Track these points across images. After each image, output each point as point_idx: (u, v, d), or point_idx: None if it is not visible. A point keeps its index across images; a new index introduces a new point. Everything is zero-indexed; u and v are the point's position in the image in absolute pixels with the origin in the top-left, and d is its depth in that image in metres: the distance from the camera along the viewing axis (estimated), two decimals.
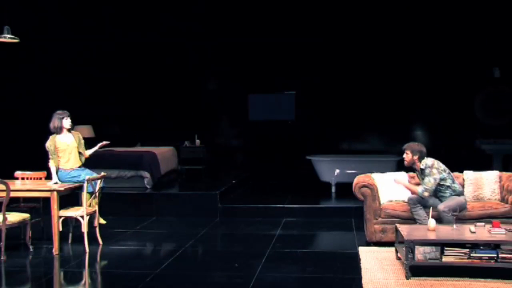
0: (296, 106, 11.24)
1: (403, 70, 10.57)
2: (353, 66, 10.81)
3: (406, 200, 5.86)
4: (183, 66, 11.49)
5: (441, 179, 5.62)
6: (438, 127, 10.52)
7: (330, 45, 10.83)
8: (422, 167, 5.66)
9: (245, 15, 10.67)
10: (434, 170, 5.59)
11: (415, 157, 5.70)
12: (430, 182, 5.56)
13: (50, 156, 6.23)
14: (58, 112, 6.31)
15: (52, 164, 6.21)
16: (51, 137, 6.28)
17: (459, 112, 10.38)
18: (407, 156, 5.74)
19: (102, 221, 6.46)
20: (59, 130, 6.26)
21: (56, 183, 6.12)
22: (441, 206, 5.51)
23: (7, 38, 7.54)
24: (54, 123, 6.26)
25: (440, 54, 10.36)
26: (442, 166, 5.69)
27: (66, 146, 6.27)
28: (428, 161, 5.67)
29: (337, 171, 9.06)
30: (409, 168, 6.60)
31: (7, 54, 9.24)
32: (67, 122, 6.28)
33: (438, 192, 5.72)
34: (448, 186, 5.66)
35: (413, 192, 5.75)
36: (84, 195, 5.84)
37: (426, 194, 5.59)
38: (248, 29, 10.82)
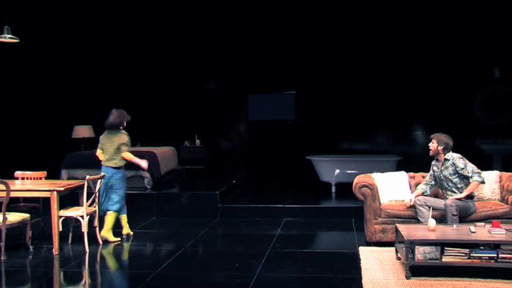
0: (296, 106, 11.23)
1: (403, 70, 10.56)
2: (353, 66, 10.80)
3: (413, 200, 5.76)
4: (183, 66, 11.48)
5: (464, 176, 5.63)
6: (438, 127, 10.48)
7: (330, 45, 10.82)
8: (447, 157, 5.67)
9: (245, 15, 10.66)
10: (466, 160, 5.64)
11: (440, 148, 5.70)
12: (475, 167, 5.56)
13: (125, 149, 6.29)
14: (124, 111, 6.41)
15: (129, 154, 6.29)
16: (111, 133, 6.32)
17: (459, 112, 10.37)
18: (433, 146, 5.75)
19: (129, 231, 6.58)
20: (120, 128, 6.36)
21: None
22: (449, 201, 5.48)
23: (7, 38, 7.53)
24: (125, 119, 6.36)
25: (440, 54, 10.35)
26: None
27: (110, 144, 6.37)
28: (456, 154, 5.70)
29: (337, 171, 9.06)
30: (409, 168, 6.63)
31: (7, 54, 9.23)
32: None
33: (450, 189, 5.70)
34: (462, 187, 5.65)
35: (470, 191, 5.54)
36: (84, 195, 5.85)
37: (483, 175, 5.57)
38: (248, 29, 10.81)
